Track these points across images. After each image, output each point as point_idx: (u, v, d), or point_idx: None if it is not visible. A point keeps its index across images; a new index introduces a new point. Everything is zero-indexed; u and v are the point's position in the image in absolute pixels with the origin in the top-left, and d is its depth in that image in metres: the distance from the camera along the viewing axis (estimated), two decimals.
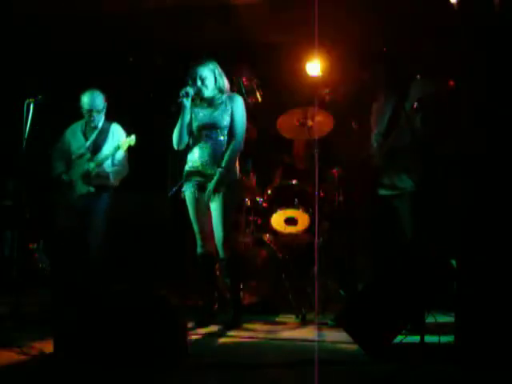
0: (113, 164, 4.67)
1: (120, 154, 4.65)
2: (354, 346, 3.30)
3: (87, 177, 4.60)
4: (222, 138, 4.00)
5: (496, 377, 2.85)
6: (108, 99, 4.76)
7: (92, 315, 3.03)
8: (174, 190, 5.15)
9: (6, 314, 3.98)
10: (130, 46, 6.20)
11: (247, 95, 5.24)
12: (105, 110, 4.74)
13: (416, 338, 3.25)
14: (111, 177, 4.62)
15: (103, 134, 4.70)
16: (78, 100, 4.74)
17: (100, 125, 4.73)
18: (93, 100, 4.65)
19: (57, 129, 5.11)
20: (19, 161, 4.31)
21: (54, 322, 3.15)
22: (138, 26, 5.90)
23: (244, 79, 5.13)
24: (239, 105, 4.06)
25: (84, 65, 5.96)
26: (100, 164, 4.60)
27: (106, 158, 4.61)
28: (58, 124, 5.18)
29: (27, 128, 4.19)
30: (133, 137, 4.56)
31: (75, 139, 4.76)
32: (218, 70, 4.04)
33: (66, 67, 5.97)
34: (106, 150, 4.65)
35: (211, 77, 4.00)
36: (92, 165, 4.60)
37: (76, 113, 4.83)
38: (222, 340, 3.68)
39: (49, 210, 5.20)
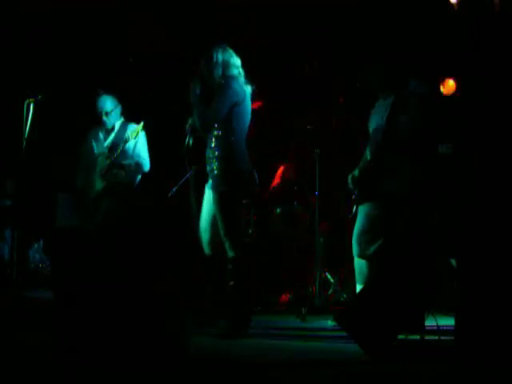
0: (131, 157, 4.73)
1: (139, 148, 4.72)
2: (354, 346, 3.30)
3: (103, 173, 4.66)
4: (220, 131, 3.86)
5: (496, 376, 2.85)
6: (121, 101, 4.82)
7: (92, 315, 3.03)
8: (174, 189, 5.15)
9: (7, 314, 3.98)
10: (130, 47, 6.21)
11: None
12: (119, 112, 4.81)
13: (416, 338, 3.26)
14: (127, 169, 4.66)
15: (120, 135, 4.74)
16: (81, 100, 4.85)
17: (117, 126, 4.80)
18: (102, 102, 4.74)
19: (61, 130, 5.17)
20: (19, 160, 4.32)
21: (54, 321, 3.15)
22: (139, 26, 5.90)
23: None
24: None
25: (85, 65, 5.97)
26: (115, 159, 4.65)
27: (118, 151, 4.64)
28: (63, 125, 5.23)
29: (27, 128, 4.20)
30: (141, 124, 4.61)
31: (96, 140, 4.87)
32: (226, 58, 3.90)
33: (68, 67, 5.98)
34: (125, 151, 4.69)
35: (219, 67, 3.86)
36: (108, 161, 4.66)
37: (78, 113, 4.90)
38: (223, 340, 3.68)
39: (50, 210, 5.21)
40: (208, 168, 3.90)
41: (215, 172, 3.83)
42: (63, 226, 4.86)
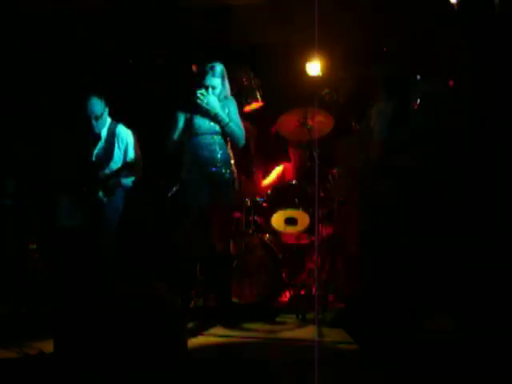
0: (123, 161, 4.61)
1: (131, 153, 4.60)
2: (354, 346, 3.30)
3: (99, 184, 4.53)
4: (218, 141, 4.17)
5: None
6: (109, 102, 4.70)
7: (92, 315, 3.03)
8: (175, 189, 5.14)
9: (6, 314, 3.99)
10: (130, 47, 6.20)
11: (247, 95, 5.25)
12: (107, 114, 4.66)
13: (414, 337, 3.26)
14: (122, 179, 4.59)
15: (109, 139, 4.61)
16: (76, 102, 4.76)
17: (105, 130, 4.64)
18: (92, 106, 4.58)
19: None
20: (20, 160, 4.31)
21: (53, 321, 3.15)
22: (138, 27, 5.90)
23: (244, 79, 5.13)
24: (234, 109, 4.20)
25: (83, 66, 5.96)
26: (108, 177, 4.52)
27: (114, 174, 4.52)
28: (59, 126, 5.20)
29: None
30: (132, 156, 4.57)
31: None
32: (226, 77, 4.19)
33: (65, 68, 5.97)
34: (116, 156, 4.59)
35: (219, 86, 4.15)
36: (102, 175, 4.53)
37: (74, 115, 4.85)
38: (222, 340, 3.69)
39: (50, 210, 5.20)
40: (213, 171, 4.08)
41: (227, 176, 4.12)
42: (63, 226, 4.84)
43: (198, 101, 4.05)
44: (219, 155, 4.12)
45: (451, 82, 3.82)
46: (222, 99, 4.17)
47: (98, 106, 4.60)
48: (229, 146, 4.23)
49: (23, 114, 5.21)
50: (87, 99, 4.61)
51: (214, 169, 4.10)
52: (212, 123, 4.13)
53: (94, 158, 4.62)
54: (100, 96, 4.63)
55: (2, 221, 5.45)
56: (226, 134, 4.15)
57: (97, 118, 4.58)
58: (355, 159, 4.43)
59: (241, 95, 4.93)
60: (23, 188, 4.91)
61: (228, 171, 4.15)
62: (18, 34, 5.78)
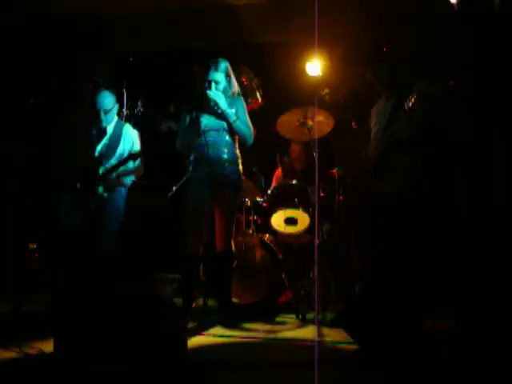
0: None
1: (135, 151, 4.53)
2: (354, 346, 3.30)
3: (98, 180, 4.47)
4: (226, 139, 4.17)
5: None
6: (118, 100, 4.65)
7: (92, 315, 3.03)
8: (175, 189, 5.13)
9: (7, 314, 3.99)
10: (129, 47, 6.20)
11: (247, 95, 5.25)
12: (115, 111, 4.60)
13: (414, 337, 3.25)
14: (122, 178, 4.55)
15: (115, 137, 4.56)
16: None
17: (111, 127, 4.58)
18: (102, 100, 4.51)
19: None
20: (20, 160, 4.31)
21: (53, 322, 3.15)
22: (138, 27, 5.90)
23: (244, 79, 5.13)
24: (241, 107, 4.18)
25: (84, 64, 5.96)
26: (110, 170, 4.46)
27: (117, 166, 4.45)
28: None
29: None
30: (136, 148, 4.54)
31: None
32: (232, 75, 4.17)
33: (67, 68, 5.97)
34: (120, 154, 4.53)
35: (223, 81, 4.12)
36: (102, 169, 4.48)
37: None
38: (222, 340, 3.68)
39: (49, 209, 5.20)
40: (219, 170, 4.08)
41: (233, 176, 4.12)
42: (63, 225, 4.83)
43: (207, 96, 4.02)
44: (225, 155, 4.11)
45: (451, 82, 3.81)
46: (228, 97, 4.13)
47: (108, 99, 4.53)
48: (236, 146, 4.21)
49: (23, 113, 5.21)
50: (98, 93, 4.55)
51: (219, 168, 4.09)
52: (219, 120, 4.11)
53: (96, 154, 4.57)
54: (111, 91, 4.60)
55: (2, 221, 5.45)
56: (233, 131, 4.13)
57: (106, 112, 4.50)
58: (355, 157, 4.43)
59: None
60: (23, 188, 4.91)
61: (234, 171, 4.13)
62: (17, 33, 5.79)
